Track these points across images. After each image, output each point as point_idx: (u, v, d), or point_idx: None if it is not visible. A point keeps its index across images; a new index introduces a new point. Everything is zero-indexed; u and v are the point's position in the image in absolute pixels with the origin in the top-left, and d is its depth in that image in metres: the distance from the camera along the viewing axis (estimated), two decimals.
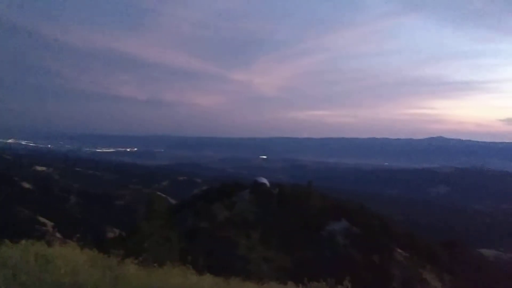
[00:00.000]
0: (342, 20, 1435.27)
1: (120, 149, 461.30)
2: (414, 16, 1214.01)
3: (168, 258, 9.32)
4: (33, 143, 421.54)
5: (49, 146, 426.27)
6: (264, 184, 58.46)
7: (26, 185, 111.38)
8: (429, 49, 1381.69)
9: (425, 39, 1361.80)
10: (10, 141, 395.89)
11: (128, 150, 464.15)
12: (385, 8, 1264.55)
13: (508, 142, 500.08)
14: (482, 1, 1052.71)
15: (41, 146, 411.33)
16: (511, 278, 50.64)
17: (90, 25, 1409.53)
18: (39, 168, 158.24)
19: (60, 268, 5.84)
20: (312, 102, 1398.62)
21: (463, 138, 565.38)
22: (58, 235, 72.35)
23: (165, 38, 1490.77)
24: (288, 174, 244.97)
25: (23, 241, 6.96)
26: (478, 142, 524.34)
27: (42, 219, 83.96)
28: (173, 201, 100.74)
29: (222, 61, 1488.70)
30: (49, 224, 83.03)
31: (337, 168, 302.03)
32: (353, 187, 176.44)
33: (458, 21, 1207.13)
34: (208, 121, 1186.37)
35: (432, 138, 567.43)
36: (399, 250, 42.68)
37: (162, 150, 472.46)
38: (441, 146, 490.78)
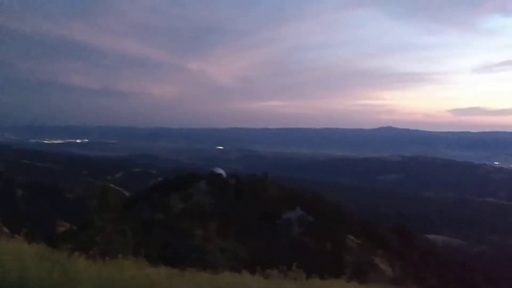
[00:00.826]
0: (296, 11, 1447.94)
1: (70, 140, 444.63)
2: (364, 9, 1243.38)
3: (122, 251, 9.17)
4: None
5: None
6: (221, 174, 58.45)
7: None
8: (379, 42, 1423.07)
9: (375, 32, 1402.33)
10: None
11: (79, 141, 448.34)
12: (337, 1, 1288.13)
13: (455, 132, 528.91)
14: None
15: None
16: (458, 263, 53.71)
17: (38, 11, 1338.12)
18: None
19: (6, 263, 5.63)
20: (268, 93, 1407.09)
21: (412, 128, 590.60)
22: (5, 229, 69.06)
23: (118, 25, 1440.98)
24: (245, 164, 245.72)
25: None
26: (426, 131, 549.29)
27: None
28: (127, 194, 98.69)
29: (177, 50, 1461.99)
30: None
31: (293, 158, 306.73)
32: (308, 176, 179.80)
33: (407, 14, 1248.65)
34: (163, 111, 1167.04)
35: (381, 128, 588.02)
36: (351, 237, 44.12)
37: (115, 142, 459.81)
38: (391, 135, 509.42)
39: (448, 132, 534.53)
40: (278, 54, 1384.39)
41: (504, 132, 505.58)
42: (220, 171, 60.19)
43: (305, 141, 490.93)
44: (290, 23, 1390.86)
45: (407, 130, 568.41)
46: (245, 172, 79.44)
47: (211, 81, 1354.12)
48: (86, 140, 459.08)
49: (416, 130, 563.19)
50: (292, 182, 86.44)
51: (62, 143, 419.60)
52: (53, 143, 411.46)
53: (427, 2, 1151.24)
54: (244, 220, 41.84)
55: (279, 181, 63.64)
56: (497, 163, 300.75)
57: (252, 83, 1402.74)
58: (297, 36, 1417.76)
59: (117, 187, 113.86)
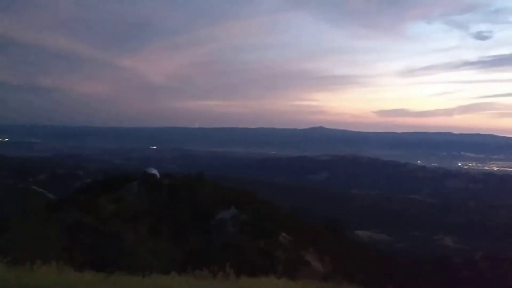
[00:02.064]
0: (231, 12, 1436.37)
1: None
2: (297, 12, 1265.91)
3: (45, 257, 8.74)
4: None
5: None
6: (154, 175, 57.03)
7: None
8: (311, 45, 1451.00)
9: (307, 35, 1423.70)
10: None
11: None
12: (271, 4, 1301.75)
13: (380, 132, 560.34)
14: (359, 1, 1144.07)
15: None
16: (383, 256, 56.99)
17: None
18: None
19: None
20: (203, 92, 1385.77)
21: (340, 128, 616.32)
22: None
23: (42, 18, 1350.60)
24: (179, 164, 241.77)
25: None
26: (353, 132, 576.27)
27: None
28: (51, 196, 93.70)
29: (108, 46, 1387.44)
30: None
31: (228, 157, 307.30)
32: (243, 175, 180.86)
33: (337, 19, 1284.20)
34: (92, 109, 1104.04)
35: (313, 128, 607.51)
36: (283, 234, 45.03)
37: (39, 141, 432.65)
38: (321, 135, 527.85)
39: (374, 132, 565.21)
40: (212, 54, 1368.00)
41: (426, 133, 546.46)
42: (154, 171, 58.76)
43: (240, 140, 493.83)
44: (224, 24, 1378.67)
45: (337, 130, 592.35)
46: (180, 172, 78.45)
47: (143, 79, 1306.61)
48: (6, 139, 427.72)
49: (345, 130, 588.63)
50: (227, 181, 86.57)
51: None
52: None
53: (357, 8, 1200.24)
54: (178, 221, 41.28)
55: (214, 181, 63.54)
56: (419, 162, 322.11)
57: (186, 82, 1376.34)
58: (231, 36, 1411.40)
59: (40, 189, 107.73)
